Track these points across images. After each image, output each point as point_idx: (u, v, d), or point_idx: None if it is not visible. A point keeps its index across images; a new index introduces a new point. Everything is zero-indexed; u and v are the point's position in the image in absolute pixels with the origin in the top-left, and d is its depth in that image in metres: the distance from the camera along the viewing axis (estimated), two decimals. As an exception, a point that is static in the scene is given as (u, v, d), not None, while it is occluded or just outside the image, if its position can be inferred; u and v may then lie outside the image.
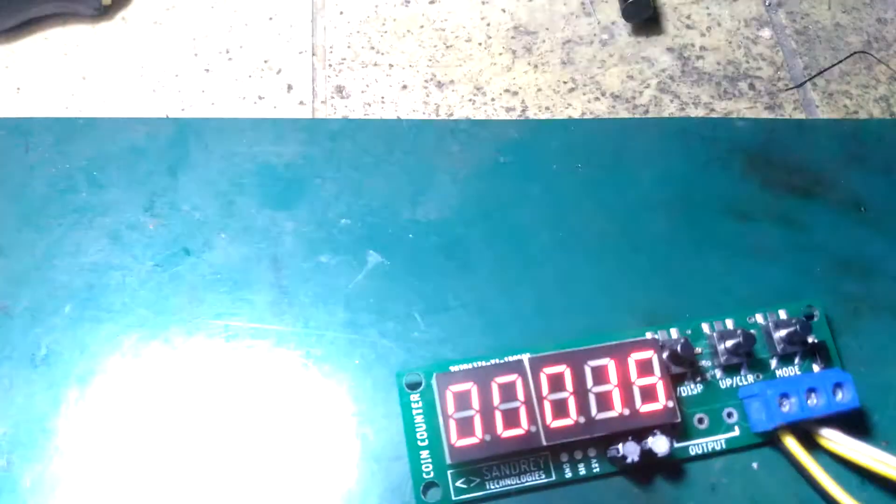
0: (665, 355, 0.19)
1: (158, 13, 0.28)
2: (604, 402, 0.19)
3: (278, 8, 0.28)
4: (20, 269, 0.22)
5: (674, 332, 0.20)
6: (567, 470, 0.19)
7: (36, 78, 0.26)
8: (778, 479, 0.19)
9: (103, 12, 0.27)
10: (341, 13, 0.28)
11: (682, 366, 0.20)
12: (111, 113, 0.26)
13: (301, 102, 0.26)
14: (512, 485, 0.19)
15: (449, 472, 0.19)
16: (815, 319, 0.21)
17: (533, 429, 0.18)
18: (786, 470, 0.19)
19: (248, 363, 0.21)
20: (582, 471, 0.19)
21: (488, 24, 0.28)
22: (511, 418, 0.18)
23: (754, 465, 0.20)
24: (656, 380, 0.19)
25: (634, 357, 0.19)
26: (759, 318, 0.21)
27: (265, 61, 0.27)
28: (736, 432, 0.20)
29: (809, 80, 0.26)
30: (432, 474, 0.19)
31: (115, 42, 0.27)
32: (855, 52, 0.28)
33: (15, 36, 0.27)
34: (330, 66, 0.27)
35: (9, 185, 0.24)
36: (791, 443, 0.19)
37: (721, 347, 0.20)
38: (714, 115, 0.26)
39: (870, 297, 0.22)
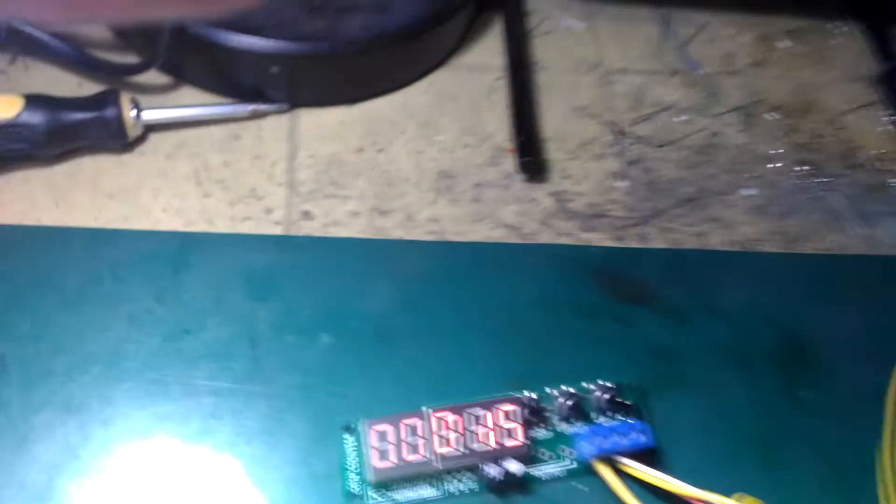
0: (524, 409, 0.28)
1: (170, 149, 0.36)
2: (479, 438, 0.27)
3: (264, 151, 0.37)
4: (60, 342, 0.30)
5: (532, 394, 0.29)
6: (452, 486, 0.27)
7: (72, 196, 0.33)
8: (599, 497, 0.28)
9: (127, 147, 0.34)
10: (311, 156, 0.37)
11: (535, 416, 0.28)
12: (131, 226, 0.33)
13: (277, 223, 0.35)
14: (413, 497, 0.27)
15: (368, 488, 0.27)
16: (630, 387, 0.30)
17: (429, 456, 0.27)
18: (604, 491, 0.28)
19: (229, 414, 0.29)
20: (462, 488, 0.27)
21: (421, 169, 0.37)
22: (414, 448, 0.27)
23: (583, 488, 0.28)
24: (516, 425, 0.27)
25: (502, 409, 0.28)
26: (591, 385, 0.29)
27: (252, 190, 0.35)
28: (569, 464, 0.28)
29: (650, 220, 0.36)
30: (357, 489, 0.27)
31: (135, 170, 0.34)
32: (686, 200, 0.37)
33: (57, 162, 0.33)
34: (300, 195, 0.36)
35: (50, 279, 0.31)
36: (605, 471, 0.27)
37: (562, 403, 0.29)
38: (578, 244, 0.35)
39: (672, 374, 0.31)
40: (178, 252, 0.32)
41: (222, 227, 0.33)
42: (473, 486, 0.27)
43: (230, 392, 0.29)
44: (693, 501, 0.26)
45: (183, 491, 0.27)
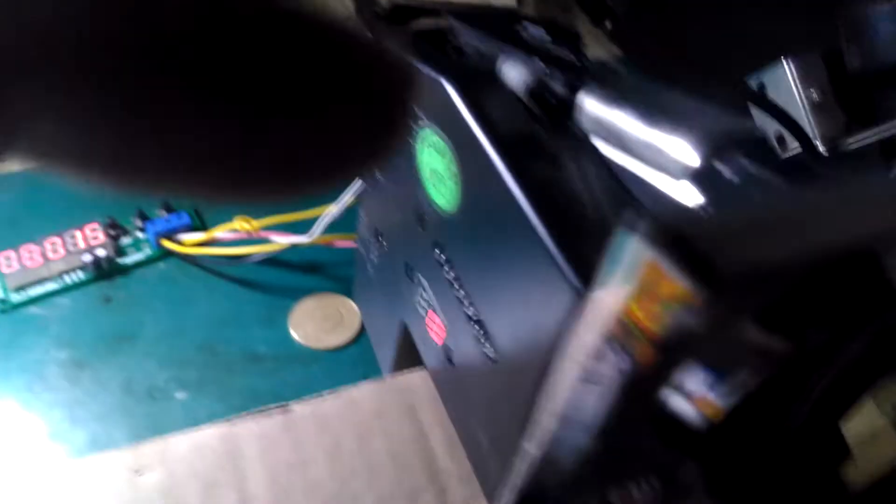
0: (108, 225, 0.44)
1: None
2: (77, 245, 0.42)
3: None
4: None
5: (113, 217, 0.45)
6: (68, 278, 0.42)
7: None
8: (174, 267, 0.44)
9: None
10: None
11: (117, 228, 0.44)
12: None
13: None
14: (42, 291, 0.41)
15: (10, 292, 0.41)
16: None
17: (45, 261, 0.41)
18: (177, 262, 0.44)
19: None
20: (75, 278, 0.42)
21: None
22: (33, 260, 0.41)
23: (163, 265, 0.44)
24: (102, 234, 0.43)
25: (90, 227, 0.43)
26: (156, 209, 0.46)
27: None
28: (149, 251, 0.44)
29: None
30: (2, 295, 0.41)
31: None
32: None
33: None
34: None
35: None
36: (169, 245, 0.44)
37: (135, 220, 0.45)
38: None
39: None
40: None
41: None
42: (84, 276, 0.42)
43: None
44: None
45: None
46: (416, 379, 0.33)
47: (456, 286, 0.27)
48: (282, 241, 0.42)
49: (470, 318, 0.26)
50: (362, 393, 0.33)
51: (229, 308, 0.43)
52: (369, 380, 0.33)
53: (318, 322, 0.42)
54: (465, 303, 0.26)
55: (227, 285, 0.44)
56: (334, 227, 0.40)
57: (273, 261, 0.45)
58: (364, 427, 0.32)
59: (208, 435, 0.30)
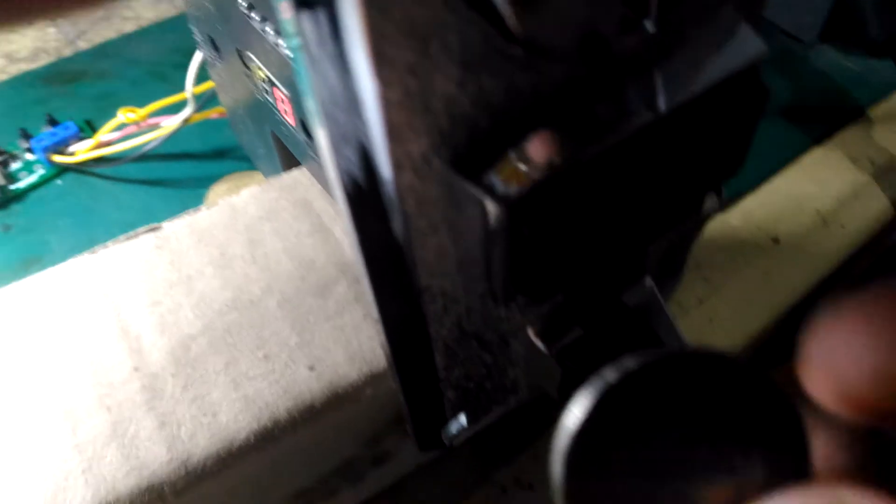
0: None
1: None
2: None
3: None
4: None
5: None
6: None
7: None
8: (70, 183, 0.41)
9: None
10: None
11: (4, 154, 0.41)
12: None
13: None
14: None
15: None
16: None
17: None
18: (73, 177, 0.41)
19: None
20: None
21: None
22: None
23: (59, 182, 0.41)
24: None
25: None
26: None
27: None
28: (42, 171, 0.41)
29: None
30: None
31: None
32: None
33: None
34: None
35: None
36: (59, 158, 0.40)
37: (20, 141, 0.41)
38: None
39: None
40: None
41: None
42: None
43: None
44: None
45: None
46: (302, 176, 0.29)
47: (271, 31, 0.24)
48: (173, 120, 0.39)
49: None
50: (243, 199, 0.29)
51: (139, 209, 0.40)
52: (248, 187, 0.29)
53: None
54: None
55: (132, 187, 0.41)
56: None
57: (178, 154, 0.42)
58: (252, 231, 0.28)
59: (70, 268, 0.26)
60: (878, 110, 0.47)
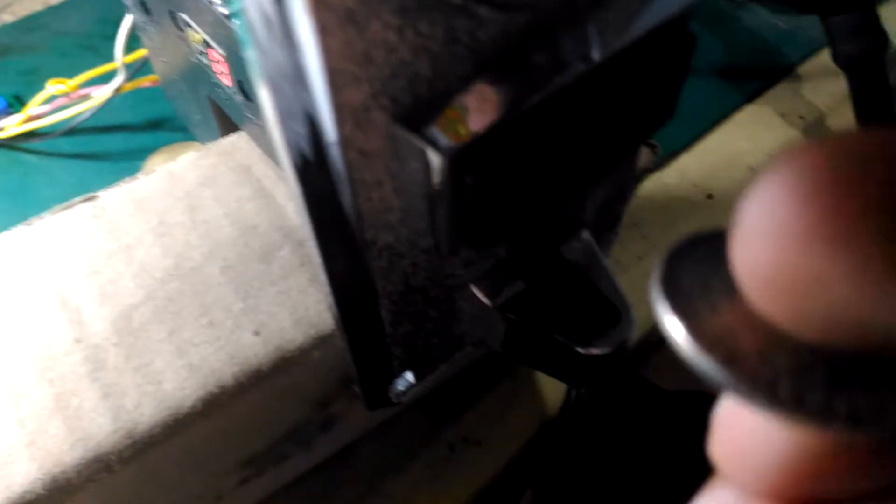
0: None
1: None
2: None
3: None
4: None
5: None
6: None
7: None
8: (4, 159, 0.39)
9: None
10: None
11: None
12: None
13: None
14: None
15: None
16: None
17: None
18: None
19: None
20: None
21: None
22: None
23: None
24: None
25: None
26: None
27: None
28: None
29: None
30: None
31: None
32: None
33: None
34: None
35: None
36: None
37: None
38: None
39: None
40: None
41: None
42: None
43: None
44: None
45: None
46: (240, 140, 0.29)
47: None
48: (104, 90, 0.38)
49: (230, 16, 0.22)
50: (181, 165, 0.28)
51: (73, 184, 0.39)
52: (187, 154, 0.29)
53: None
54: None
55: (65, 162, 0.39)
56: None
57: (112, 126, 0.40)
58: (192, 198, 0.27)
59: (4, 241, 0.26)
60: (806, 67, 0.48)
